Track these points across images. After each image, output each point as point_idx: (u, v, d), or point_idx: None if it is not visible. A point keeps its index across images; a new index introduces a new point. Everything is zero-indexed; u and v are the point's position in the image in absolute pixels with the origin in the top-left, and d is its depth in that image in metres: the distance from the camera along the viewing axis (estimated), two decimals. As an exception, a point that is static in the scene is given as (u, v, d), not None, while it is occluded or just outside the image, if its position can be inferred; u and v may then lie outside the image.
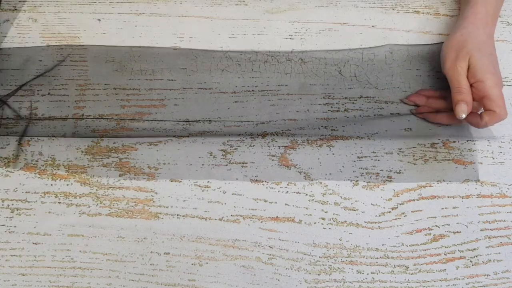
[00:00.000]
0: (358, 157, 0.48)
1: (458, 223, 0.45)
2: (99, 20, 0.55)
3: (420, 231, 0.45)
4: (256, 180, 0.47)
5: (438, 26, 0.56)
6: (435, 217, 0.45)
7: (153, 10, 0.56)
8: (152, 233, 0.44)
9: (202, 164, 0.47)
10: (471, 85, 0.46)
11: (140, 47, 0.53)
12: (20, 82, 0.51)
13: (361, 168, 0.48)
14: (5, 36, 0.54)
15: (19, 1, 0.56)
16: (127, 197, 0.46)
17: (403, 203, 0.46)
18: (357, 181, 0.47)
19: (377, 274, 0.43)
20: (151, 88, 0.51)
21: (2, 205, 0.45)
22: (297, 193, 0.46)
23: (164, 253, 0.43)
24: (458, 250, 0.44)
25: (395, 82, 0.52)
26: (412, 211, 0.46)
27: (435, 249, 0.44)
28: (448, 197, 0.47)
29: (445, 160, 0.48)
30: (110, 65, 0.52)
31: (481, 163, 0.48)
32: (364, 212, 0.46)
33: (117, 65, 0.52)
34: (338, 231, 0.45)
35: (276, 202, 0.46)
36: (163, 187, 0.46)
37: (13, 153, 0.47)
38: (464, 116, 0.45)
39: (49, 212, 0.45)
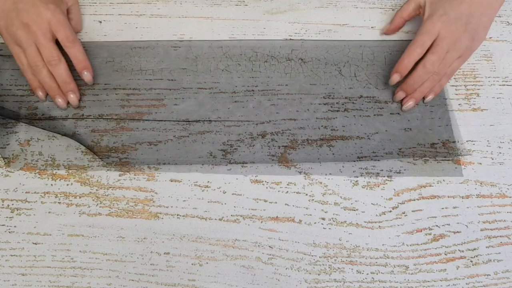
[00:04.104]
0: (358, 157, 0.48)
1: (458, 223, 0.45)
2: (100, 22, 0.55)
3: (421, 231, 0.45)
4: (256, 180, 0.47)
5: (437, 26, 0.56)
6: (435, 217, 0.45)
7: (153, 11, 0.56)
8: (152, 233, 0.44)
9: (202, 164, 0.47)
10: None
11: (140, 47, 0.54)
12: (20, 82, 0.51)
13: (361, 168, 0.48)
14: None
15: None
16: (127, 197, 0.46)
17: (404, 203, 0.46)
18: (357, 181, 0.47)
19: (377, 274, 0.43)
20: (151, 88, 0.51)
21: (2, 205, 0.45)
22: (297, 193, 0.46)
23: (164, 253, 0.43)
24: (459, 250, 0.44)
25: (395, 82, 0.52)
26: (412, 211, 0.46)
27: (435, 249, 0.44)
28: (448, 197, 0.47)
29: (445, 160, 0.48)
30: (110, 65, 0.52)
31: (480, 163, 0.48)
32: (364, 212, 0.46)
33: (117, 65, 0.52)
34: (338, 231, 0.45)
35: (276, 202, 0.46)
36: (163, 187, 0.46)
37: (13, 153, 0.47)
38: (394, 81, 0.49)
39: (49, 212, 0.45)
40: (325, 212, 0.45)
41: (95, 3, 0.57)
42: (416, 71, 0.48)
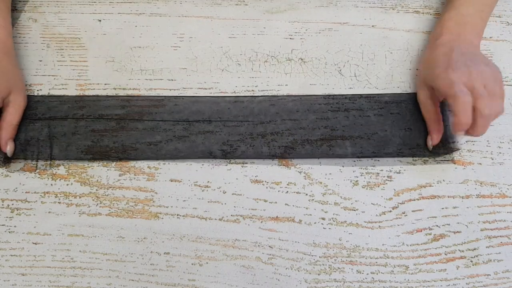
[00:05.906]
0: (358, 157, 0.48)
1: (458, 223, 0.45)
2: (99, 21, 0.55)
3: (421, 231, 0.45)
4: (256, 180, 0.47)
5: (438, 26, 0.56)
6: (436, 217, 0.45)
7: (153, 10, 0.56)
8: (152, 233, 0.44)
9: (202, 164, 0.47)
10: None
11: (140, 47, 0.53)
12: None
13: (361, 168, 0.48)
14: (5, 36, 0.53)
15: (19, 1, 0.56)
16: (127, 197, 0.46)
17: (404, 203, 0.46)
18: (357, 181, 0.47)
19: (377, 274, 0.43)
20: (151, 88, 0.51)
21: (2, 205, 0.45)
22: (297, 193, 0.46)
23: (164, 253, 0.43)
24: (459, 250, 0.44)
25: (395, 82, 0.52)
26: (412, 211, 0.46)
27: (435, 248, 0.44)
28: (448, 197, 0.47)
29: (445, 160, 0.48)
30: (110, 65, 0.52)
31: (480, 163, 0.48)
32: (364, 212, 0.46)
33: (117, 65, 0.52)
34: (338, 231, 0.45)
35: (276, 202, 0.46)
36: (163, 187, 0.46)
37: (13, 154, 0.47)
38: (430, 147, 0.48)
39: (49, 212, 0.45)
40: (325, 212, 0.45)
41: (95, 2, 0.57)
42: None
